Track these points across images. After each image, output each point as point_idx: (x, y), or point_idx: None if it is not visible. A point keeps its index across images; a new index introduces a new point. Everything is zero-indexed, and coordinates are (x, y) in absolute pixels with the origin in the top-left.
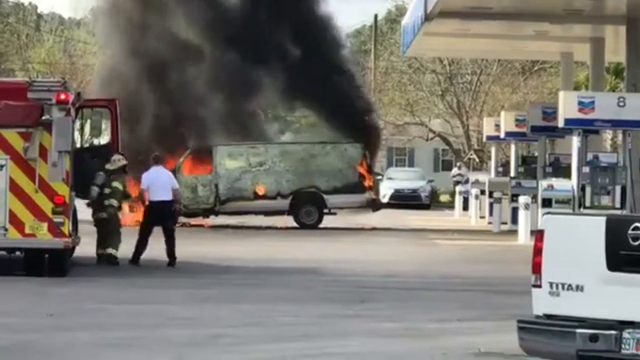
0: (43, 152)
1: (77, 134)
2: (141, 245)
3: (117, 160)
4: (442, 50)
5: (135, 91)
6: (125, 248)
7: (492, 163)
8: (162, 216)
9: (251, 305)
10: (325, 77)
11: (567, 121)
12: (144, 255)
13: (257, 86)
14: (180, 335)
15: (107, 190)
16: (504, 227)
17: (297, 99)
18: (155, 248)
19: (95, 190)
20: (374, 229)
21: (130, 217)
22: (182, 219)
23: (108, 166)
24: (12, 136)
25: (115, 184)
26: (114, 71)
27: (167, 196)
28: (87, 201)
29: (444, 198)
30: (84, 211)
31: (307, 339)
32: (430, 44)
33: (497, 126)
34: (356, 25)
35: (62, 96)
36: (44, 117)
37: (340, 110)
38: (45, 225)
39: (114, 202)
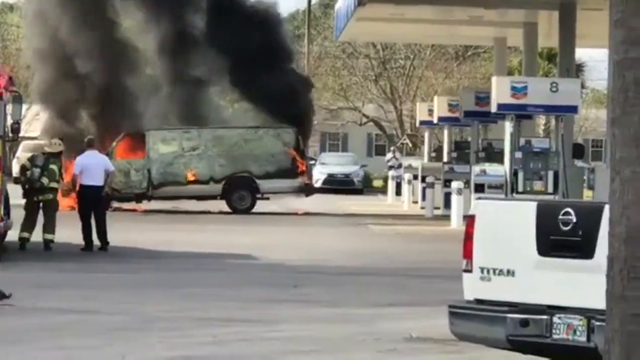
0: None
1: None
2: (86, 230)
3: (56, 144)
4: (376, 35)
5: (69, 74)
6: (62, 233)
7: (425, 148)
8: (93, 201)
9: (184, 290)
10: (259, 59)
11: (500, 106)
12: (75, 240)
13: (191, 68)
14: (112, 321)
15: (44, 173)
16: (437, 212)
17: (230, 82)
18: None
19: (37, 171)
20: (306, 213)
21: (62, 202)
22: (115, 204)
23: (47, 148)
24: None
25: (53, 166)
26: (46, 52)
27: (99, 181)
28: (21, 183)
29: (377, 183)
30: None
31: (240, 323)
32: (364, 28)
33: (431, 111)
34: (290, 10)
35: None
36: None
37: (273, 94)
38: None
39: (56, 185)
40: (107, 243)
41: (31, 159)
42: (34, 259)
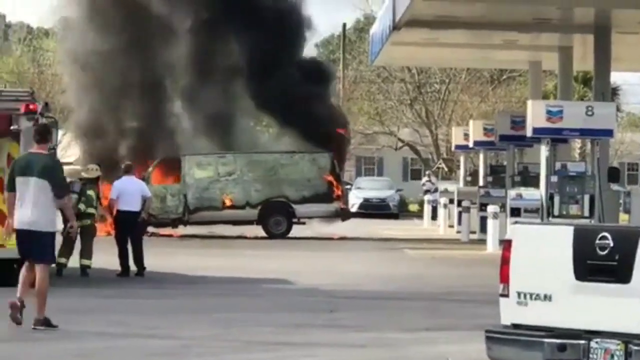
0: (10, 162)
1: None
2: (123, 255)
3: (93, 170)
4: (411, 59)
5: (105, 100)
6: (98, 259)
7: (461, 172)
8: (129, 226)
9: (220, 314)
10: (295, 85)
11: (536, 130)
12: (111, 266)
13: (228, 95)
14: (148, 346)
15: (82, 199)
16: (473, 236)
17: (266, 108)
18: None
19: (74, 198)
20: (342, 238)
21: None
22: (151, 229)
23: (84, 174)
24: None
25: (90, 192)
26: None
27: (136, 207)
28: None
29: (412, 207)
30: None
31: (276, 348)
32: (399, 53)
33: (466, 135)
34: (325, 35)
35: (30, 106)
36: (12, 127)
37: (309, 119)
38: (14, 235)
39: (93, 210)
40: (144, 268)
41: (72, 186)
42: (70, 284)
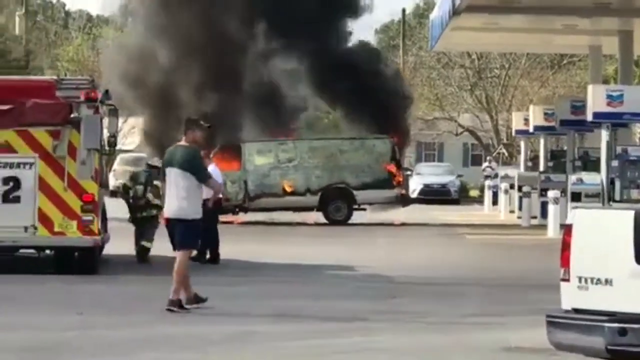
0: (72, 150)
1: None
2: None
3: (158, 160)
4: (471, 44)
5: (165, 86)
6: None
7: (522, 157)
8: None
9: (282, 301)
10: (358, 70)
11: (596, 115)
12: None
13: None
14: (210, 332)
15: (148, 188)
16: (534, 222)
17: (328, 93)
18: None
19: (140, 189)
20: (403, 224)
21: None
22: None
23: (150, 162)
24: (41, 135)
25: (157, 182)
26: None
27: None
28: (126, 199)
29: (473, 193)
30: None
31: (337, 335)
32: (459, 38)
33: (526, 120)
34: (385, 21)
35: (91, 94)
36: (72, 115)
37: (370, 104)
38: (74, 223)
39: (159, 202)
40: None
41: (134, 177)
42: (129, 272)
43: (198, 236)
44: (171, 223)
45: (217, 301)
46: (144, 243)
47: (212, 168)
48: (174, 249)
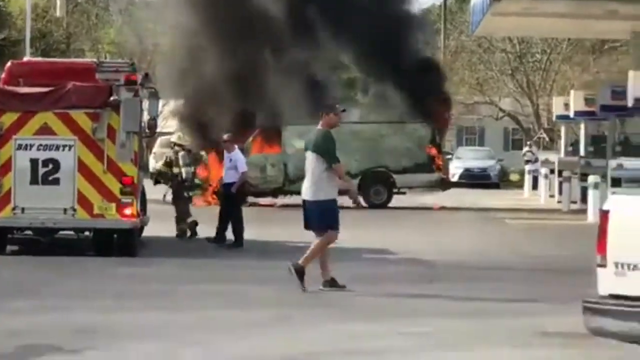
0: (111, 133)
1: None
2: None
3: (183, 138)
4: (512, 29)
5: (205, 69)
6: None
7: (562, 142)
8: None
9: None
10: (398, 55)
11: (637, 100)
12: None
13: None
14: (248, 316)
15: (192, 169)
16: (574, 206)
17: (368, 77)
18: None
19: (190, 170)
20: (442, 208)
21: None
22: (251, 199)
23: (188, 146)
24: (80, 117)
25: (194, 164)
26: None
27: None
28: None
29: (513, 177)
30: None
31: (375, 318)
32: (500, 23)
33: (567, 105)
34: (426, 5)
35: (131, 77)
36: (112, 98)
37: (411, 88)
38: (113, 205)
39: (198, 181)
40: (242, 239)
41: (184, 158)
42: (169, 254)
43: (335, 216)
44: (306, 205)
45: (256, 284)
46: (193, 219)
47: (236, 153)
48: (306, 228)
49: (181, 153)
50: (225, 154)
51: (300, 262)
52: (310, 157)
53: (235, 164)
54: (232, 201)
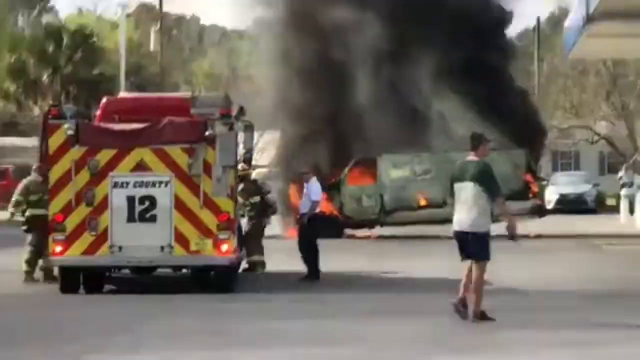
0: (207, 168)
1: None
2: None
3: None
4: (606, 51)
5: (302, 103)
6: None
7: None
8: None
9: (412, 315)
10: (492, 81)
11: None
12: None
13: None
14: (346, 355)
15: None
16: None
17: (463, 103)
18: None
19: (273, 198)
20: (538, 236)
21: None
22: (348, 231)
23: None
24: (176, 152)
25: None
26: (279, 80)
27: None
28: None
29: (610, 202)
30: None
31: (472, 348)
32: (594, 46)
33: None
34: (520, 29)
35: (226, 111)
36: (207, 133)
37: (505, 115)
38: (210, 241)
39: None
40: (318, 271)
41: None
42: (267, 290)
43: (489, 248)
44: (462, 236)
45: (356, 321)
46: (259, 257)
47: (311, 183)
48: (463, 259)
49: (241, 186)
50: (305, 185)
51: (474, 309)
52: (468, 188)
53: (309, 193)
54: (307, 232)
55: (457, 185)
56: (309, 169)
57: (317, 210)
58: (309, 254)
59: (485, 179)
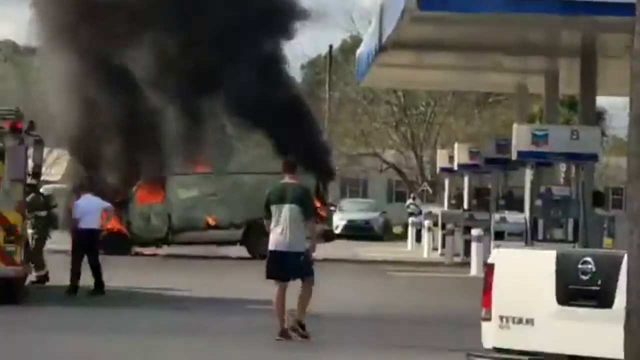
0: None
1: None
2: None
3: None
4: (397, 81)
5: (88, 119)
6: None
7: (445, 195)
8: (89, 244)
9: (204, 338)
10: (280, 107)
11: (521, 154)
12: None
13: (212, 114)
14: None
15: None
16: (457, 259)
17: (252, 127)
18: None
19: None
20: (325, 260)
21: None
22: (136, 249)
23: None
24: None
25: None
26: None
27: (95, 224)
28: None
29: (397, 230)
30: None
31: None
32: (385, 74)
33: (451, 158)
34: (311, 56)
35: (16, 124)
36: None
37: (294, 141)
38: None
39: None
40: (103, 286)
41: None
42: (53, 302)
43: (312, 264)
44: (283, 256)
45: (143, 335)
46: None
47: (83, 198)
48: (274, 278)
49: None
50: (85, 199)
51: (297, 317)
52: (287, 209)
53: (100, 206)
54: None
55: (275, 207)
56: (81, 184)
57: (92, 226)
58: (95, 268)
59: (305, 200)
